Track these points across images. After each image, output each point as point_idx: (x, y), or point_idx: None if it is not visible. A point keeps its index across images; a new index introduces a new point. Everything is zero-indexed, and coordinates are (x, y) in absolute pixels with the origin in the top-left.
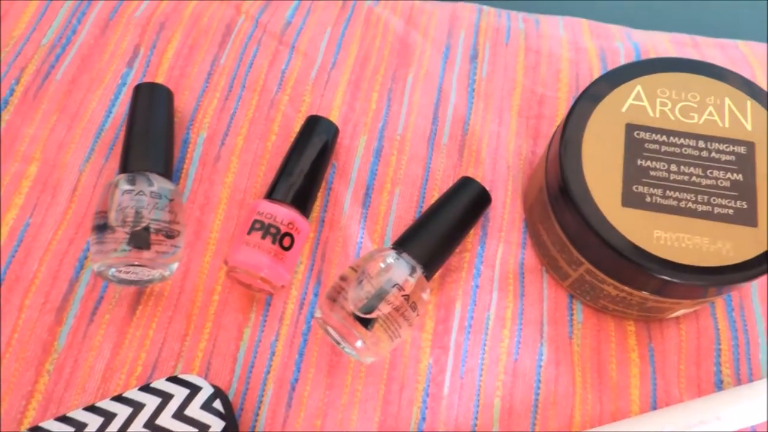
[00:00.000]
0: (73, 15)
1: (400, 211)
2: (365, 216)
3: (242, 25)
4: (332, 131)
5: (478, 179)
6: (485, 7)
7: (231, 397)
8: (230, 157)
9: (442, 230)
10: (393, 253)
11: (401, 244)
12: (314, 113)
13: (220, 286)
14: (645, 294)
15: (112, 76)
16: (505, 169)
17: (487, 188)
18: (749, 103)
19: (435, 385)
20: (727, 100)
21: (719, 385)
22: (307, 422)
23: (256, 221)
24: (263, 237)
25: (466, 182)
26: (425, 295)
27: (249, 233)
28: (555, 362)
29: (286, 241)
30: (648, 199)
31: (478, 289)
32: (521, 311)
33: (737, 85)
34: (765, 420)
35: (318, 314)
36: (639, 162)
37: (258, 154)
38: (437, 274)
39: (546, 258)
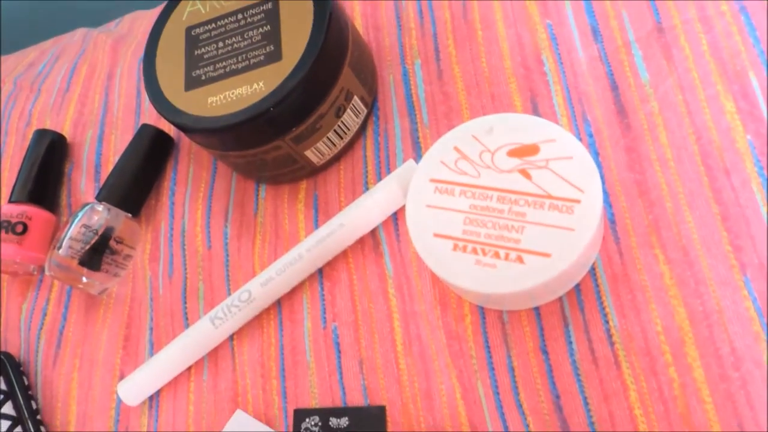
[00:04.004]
0: None
1: None
2: (98, 188)
3: (5, 89)
4: (55, 137)
5: None
6: None
7: (21, 357)
8: (3, 182)
9: (129, 173)
10: (93, 203)
11: (100, 194)
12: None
13: (6, 282)
14: (251, 151)
15: None
16: None
17: None
18: None
19: (154, 290)
20: None
21: None
22: (71, 354)
23: None
24: None
25: (143, 129)
26: (133, 227)
27: None
28: (238, 237)
29: (19, 228)
30: (203, 78)
31: (174, 205)
32: (209, 208)
33: None
34: (384, 219)
35: (47, 271)
36: (196, 52)
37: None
38: (152, 207)
39: None
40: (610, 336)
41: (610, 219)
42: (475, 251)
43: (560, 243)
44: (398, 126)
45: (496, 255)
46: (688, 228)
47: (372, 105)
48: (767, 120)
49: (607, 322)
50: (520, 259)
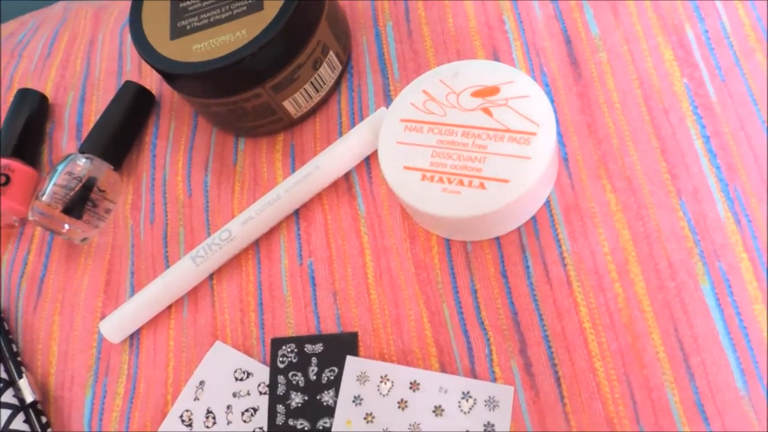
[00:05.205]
0: None
1: None
2: (79, 142)
3: None
4: (37, 96)
5: (158, 80)
6: None
7: (2, 304)
8: None
9: (111, 127)
10: (76, 154)
11: (82, 146)
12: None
13: None
14: (232, 98)
15: None
16: None
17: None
18: None
19: (135, 236)
20: None
21: None
22: (52, 299)
23: None
24: None
25: (126, 85)
26: (114, 179)
27: None
28: (217, 185)
29: (2, 179)
30: (188, 27)
31: (156, 157)
32: (190, 160)
33: None
34: (357, 162)
35: (31, 216)
36: (181, 5)
37: None
38: (133, 161)
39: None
40: (563, 259)
41: (564, 157)
42: (441, 180)
43: (518, 170)
44: (371, 81)
45: (461, 183)
46: (632, 160)
47: (346, 63)
48: (701, 65)
49: (560, 246)
50: (482, 186)
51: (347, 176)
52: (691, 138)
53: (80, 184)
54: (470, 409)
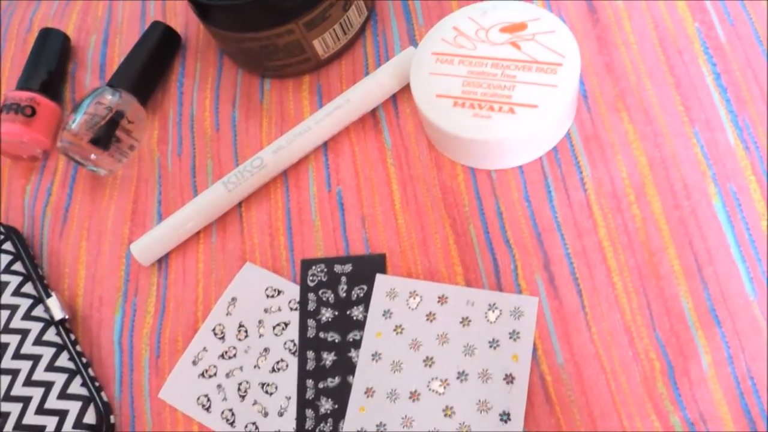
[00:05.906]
0: None
1: None
2: (103, 82)
3: (2, 3)
4: (60, 36)
5: (183, 24)
6: None
7: (25, 233)
8: (3, 82)
9: (138, 64)
10: (103, 87)
11: (111, 81)
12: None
13: (8, 167)
14: (265, 33)
15: None
16: None
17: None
18: None
19: (162, 168)
20: None
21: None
22: (78, 227)
23: (3, 106)
24: (7, 113)
25: (154, 25)
26: (141, 113)
27: None
28: (245, 119)
29: (28, 111)
30: None
31: (183, 95)
32: (217, 97)
33: None
34: (385, 98)
35: (59, 144)
36: None
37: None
38: (159, 100)
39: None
40: (583, 184)
41: (583, 94)
42: (472, 106)
43: (546, 96)
44: (395, 26)
45: (491, 108)
46: (649, 95)
47: (371, 11)
48: (711, 11)
49: (581, 172)
50: (512, 111)
51: (374, 113)
52: (702, 75)
53: (110, 114)
54: (496, 319)
